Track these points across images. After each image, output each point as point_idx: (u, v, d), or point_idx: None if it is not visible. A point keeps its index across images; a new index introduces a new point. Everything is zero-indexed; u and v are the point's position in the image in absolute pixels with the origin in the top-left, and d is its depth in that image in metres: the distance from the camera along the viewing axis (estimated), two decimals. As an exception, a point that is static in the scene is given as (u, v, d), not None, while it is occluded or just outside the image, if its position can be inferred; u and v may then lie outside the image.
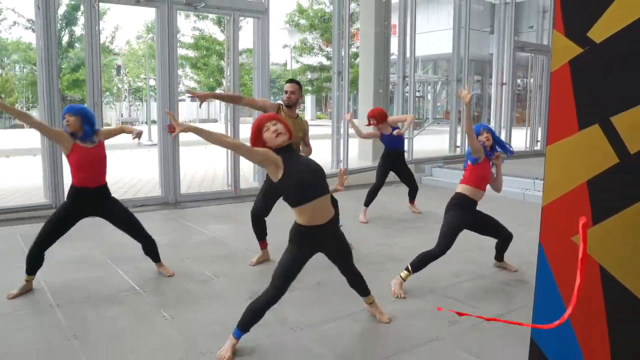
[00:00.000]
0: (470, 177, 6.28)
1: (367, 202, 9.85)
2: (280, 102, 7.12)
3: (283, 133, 4.55)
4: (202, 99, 6.82)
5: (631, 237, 4.06)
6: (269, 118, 4.61)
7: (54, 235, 6.07)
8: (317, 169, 4.60)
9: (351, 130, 14.06)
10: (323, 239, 4.71)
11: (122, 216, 6.45)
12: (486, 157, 6.28)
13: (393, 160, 10.04)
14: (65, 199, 6.27)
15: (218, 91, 29.76)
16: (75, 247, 7.58)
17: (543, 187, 4.26)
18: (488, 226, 6.63)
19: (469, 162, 6.32)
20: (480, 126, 6.30)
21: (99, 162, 6.16)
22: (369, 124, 9.88)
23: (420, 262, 6.14)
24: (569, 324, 4.28)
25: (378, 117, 9.76)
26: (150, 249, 6.68)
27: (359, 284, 5.23)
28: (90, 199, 6.18)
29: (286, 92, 7.04)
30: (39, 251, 5.99)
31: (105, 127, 6.36)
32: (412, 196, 10.54)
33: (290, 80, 7.17)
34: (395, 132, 9.72)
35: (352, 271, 5.16)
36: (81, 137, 6.02)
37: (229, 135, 11.76)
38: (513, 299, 6.03)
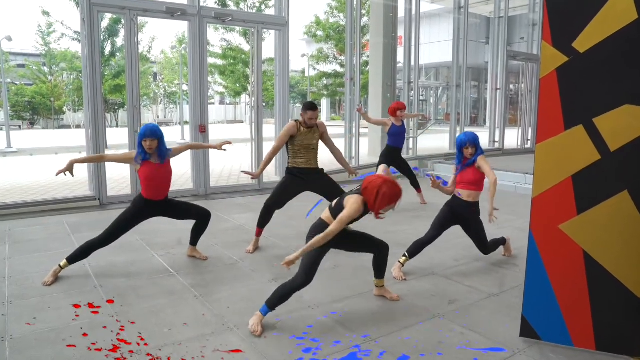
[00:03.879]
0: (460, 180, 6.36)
1: None
2: (298, 120, 7.08)
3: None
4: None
5: (611, 225, 4.07)
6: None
7: (116, 236, 6.05)
8: None
9: (362, 130, 14.08)
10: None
11: (180, 209, 6.47)
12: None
13: (394, 156, 10.09)
14: (131, 204, 6.21)
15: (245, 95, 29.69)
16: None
17: (533, 181, 4.27)
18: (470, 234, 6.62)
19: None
20: (466, 139, 6.24)
21: (166, 177, 6.16)
22: (395, 115, 9.99)
23: (415, 248, 6.23)
24: (556, 302, 4.30)
25: (402, 107, 10.09)
26: (201, 229, 6.71)
27: (381, 263, 5.28)
28: (154, 209, 6.23)
29: (311, 118, 6.95)
30: (96, 247, 5.97)
31: (175, 147, 6.30)
32: (416, 185, 10.54)
33: (314, 107, 7.04)
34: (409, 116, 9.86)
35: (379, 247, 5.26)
36: (158, 155, 6.02)
37: (253, 135, 11.81)
38: (506, 280, 6.02)
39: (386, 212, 4.68)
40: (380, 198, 4.53)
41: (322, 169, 7.27)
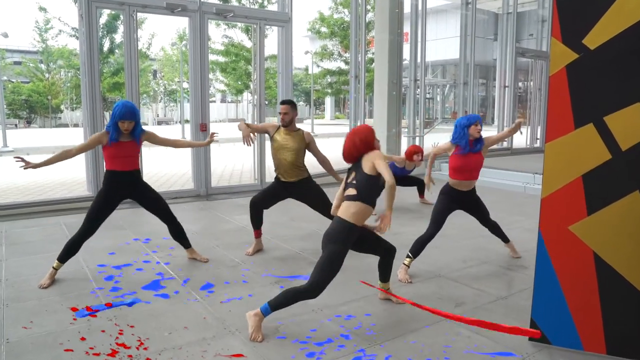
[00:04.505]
0: (450, 170, 6.30)
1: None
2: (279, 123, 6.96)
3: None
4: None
5: (623, 226, 4.07)
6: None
7: (96, 223, 6.00)
8: None
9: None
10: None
11: (149, 193, 6.37)
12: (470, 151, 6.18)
13: (405, 181, 10.10)
14: (102, 185, 6.15)
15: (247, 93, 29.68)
16: (111, 236, 7.65)
17: (542, 181, 4.27)
18: (477, 214, 6.63)
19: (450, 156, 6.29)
20: (476, 118, 6.17)
21: (132, 152, 6.08)
22: (412, 159, 9.74)
23: (418, 247, 6.21)
24: (566, 305, 4.30)
25: (420, 150, 9.74)
26: (179, 233, 6.66)
27: (387, 266, 5.25)
28: (124, 182, 6.12)
29: (280, 113, 6.84)
30: (80, 240, 5.94)
31: (152, 132, 6.21)
32: (421, 191, 10.58)
33: (283, 102, 6.92)
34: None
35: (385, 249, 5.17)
36: (131, 134, 5.97)
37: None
38: (514, 282, 6.02)
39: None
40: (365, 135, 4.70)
41: (307, 177, 7.05)
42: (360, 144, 4.71)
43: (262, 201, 7.09)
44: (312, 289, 4.54)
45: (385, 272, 5.27)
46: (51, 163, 5.77)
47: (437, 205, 6.36)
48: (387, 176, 4.46)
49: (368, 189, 4.65)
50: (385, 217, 4.61)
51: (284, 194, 7.07)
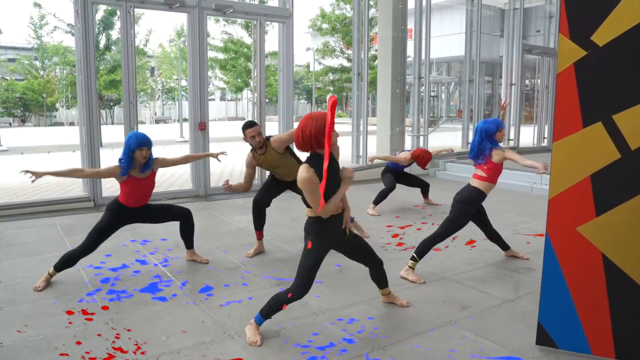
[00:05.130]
0: (491, 175, 6.22)
1: (377, 202, 9.79)
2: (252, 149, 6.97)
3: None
4: None
5: (632, 227, 4.06)
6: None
7: (95, 245, 5.98)
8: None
9: (370, 128, 14.08)
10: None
11: (158, 212, 6.44)
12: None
13: (396, 175, 10.04)
14: (107, 210, 6.10)
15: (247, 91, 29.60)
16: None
17: (549, 181, 4.27)
18: (484, 221, 6.68)
19: (492, 161, 6.20)
20: (502, 124, 6.22)
21: (149, 189, 6.16)
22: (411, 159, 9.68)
23: (424, 248, 6.22)
24: (574, 308, 4.30)
25: (425, 161, 9.62)
26: (189, 231, 6.70)
27: (380, 276, 5.23)
28: (132, 216, 6.20)
29: (251, 136, 6.75)
30: (78, 257, 5.91)
31: (162, 157, 6.22)
32: (425, 192, 10.56)
33: (250, 125, 6.80)
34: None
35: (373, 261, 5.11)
36: (144, 165, 5.96)
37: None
38: (521, 285, 6.01)
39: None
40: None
41: None
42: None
43: (265, 198, 7.13)
44: (299, 290, 4.49)
45: (379, 281, 5.25)
46: (60, 176, 5.82)
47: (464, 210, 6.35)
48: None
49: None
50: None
51: (282, 187, 7.17)
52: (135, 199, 6.08)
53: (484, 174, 6.15)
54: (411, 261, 6.20)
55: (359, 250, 5.01)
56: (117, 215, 6.08)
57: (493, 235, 6.78)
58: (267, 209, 7.18)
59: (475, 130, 6.25)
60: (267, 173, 7.35)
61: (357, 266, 5.60)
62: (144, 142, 5.81)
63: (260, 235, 7.20)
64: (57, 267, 5.91)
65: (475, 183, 6.23)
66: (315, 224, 4.50)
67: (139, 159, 5.84)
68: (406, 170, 10.12)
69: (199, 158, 7.20)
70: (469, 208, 6.27)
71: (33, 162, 18.77)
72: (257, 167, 7.03)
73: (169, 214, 6.54)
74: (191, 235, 6.75)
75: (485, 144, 6.10)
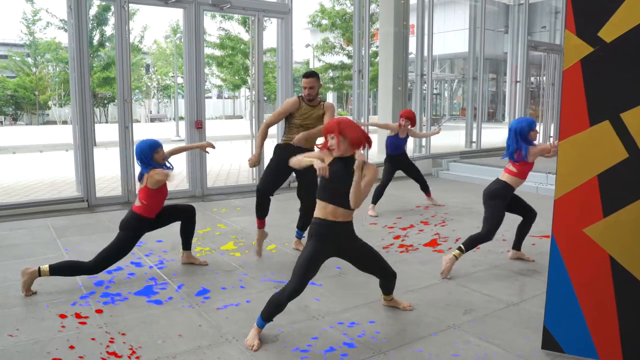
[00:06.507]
0: (522, 170, 6.39)
1: (375, 200, 9.78)
2: (301, 94, 6.98)
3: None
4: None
5: (640, 229, 4.06)
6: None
7: (111, 263, 5.99)
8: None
9: (371, 127, 14.09)
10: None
11: (166, 215, 6.42)
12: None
13: (396, 164, 10.03)
14: (128, 229, 6.02)
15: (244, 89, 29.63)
16: (101, 239, 7.60)
17: (555, 181, 4.27)
18: (523, 205, 6.84)
19: (527, 160, 6.37)
20: (534, 123, 6.49)
21: (166, 192, 6.25)
22: (400, 124, 9.80)
23: (471, 243, 6.40)
24: (581, 312, 4.29)
25: (413, 120, 9.84)
26: (190, 232, 6.69)
27: (390, 287, 5.24)
28: (150, 227, 6.23)
29: (305, 87, 6.85)
30: (84, 273, 5.88)
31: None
32: (425, 190, 10.47)
33: (307, 75, 6.94)
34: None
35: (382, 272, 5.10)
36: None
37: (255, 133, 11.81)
38: (526, 287, 6.02)
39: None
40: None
41: None
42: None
43: (268, 183, 6.95)
44: (292, 286, 4.50)
45: (386, 289, 5.26)
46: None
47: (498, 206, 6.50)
48: None
49: None
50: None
51: (288, 172, 6.91)
52: (159, 205, 6.16)
53: (515, 169, 6.41)
54: (457, 251, 6.34)
55: (370, 262, 5.00)
56: (139, 233, 6.11)
57: (524, 227, 6.91)
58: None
59: (509, 130, 6.46)
60: (264, 165, 7.28)
61: (357, 270, 5.61)
62: (158, 144, 5.99)
63: (261, 224, 7.11)
64: (54, 272, 5.74)
65: (505, 177, 6.47)
66: (314, 225, 4.61)
67: (160, 159, 5.96)
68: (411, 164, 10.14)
69: (186, 150, 7.13)
70: (500, 202, 6.44)
71: (25, 162, 18.78)
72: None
73: (177, 214, 6.55)
74: (192, 235, 6.73)
75: (521, 144, 6.32)
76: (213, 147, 6.89)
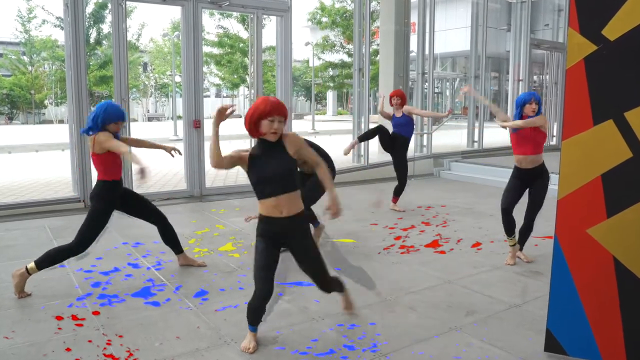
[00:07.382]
0: (514, 144, 6.61)
1: (397, 194, 9.83)
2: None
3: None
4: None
5: (644, 229, 4.05)
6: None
7: (93, 239, 5.89)
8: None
9: (372, 125, 14.08)
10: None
11: (137, 198, 6.34)
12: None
13: (395, 143, 9.81)
14: (98, 198, 5.89)
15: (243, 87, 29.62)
16: (98, 240, 7.64)
17: (558, 181, 4.26)
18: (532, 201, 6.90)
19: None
20: (531, 95, 6.58)
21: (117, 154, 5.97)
22: (391, 103, 9.82)
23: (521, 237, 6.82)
24: (584, 314, 4.29)
25: (402, 97, 9.86)
26: (171, 237, 6.57)
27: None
28: (119, 192, 6.06)
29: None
30: (69, 255, 5.84)
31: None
32: (397, 192, 10.13)
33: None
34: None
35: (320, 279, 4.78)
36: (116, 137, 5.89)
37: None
38: (529, 289, 6.01)
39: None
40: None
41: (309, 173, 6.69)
42: None
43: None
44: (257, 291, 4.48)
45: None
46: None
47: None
48: None
49: None
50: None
51: None
52: (116, 164, 5.91)
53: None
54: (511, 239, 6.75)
55: (311, 262, 4.83)
56: (112, 198, 5.98)
57: (527, 225, 6.93)
58: None
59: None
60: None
61: (358, 270, 5.61)
62: (122, 116, 5.89)
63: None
64: (42, 266, 5.76)
65: None
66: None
67: (112, 130, 5.78)
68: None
69: (152, 147, 6.96)
70: (511, 178, 6.78)
71: (21, 162, 18.77)
72: None
73: (147, 210, 6.41)
74: (175, 238, 6.64)
75: (516, 116, 6.61)
76: (180, 153, 6.74)
